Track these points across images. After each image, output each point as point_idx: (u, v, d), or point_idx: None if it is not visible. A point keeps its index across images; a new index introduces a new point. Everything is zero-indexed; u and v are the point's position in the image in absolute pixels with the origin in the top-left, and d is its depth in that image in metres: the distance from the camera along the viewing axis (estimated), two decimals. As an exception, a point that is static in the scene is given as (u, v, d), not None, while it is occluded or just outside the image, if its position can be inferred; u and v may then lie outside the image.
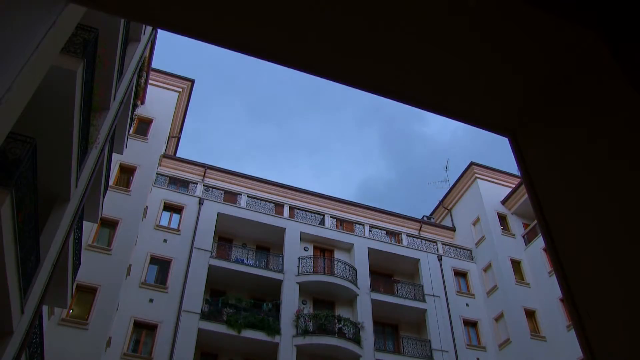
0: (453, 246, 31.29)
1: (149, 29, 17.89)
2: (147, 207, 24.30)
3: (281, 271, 25.43)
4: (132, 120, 20.48)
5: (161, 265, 23.62)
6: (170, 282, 22.98)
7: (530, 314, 26.96)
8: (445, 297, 27.87)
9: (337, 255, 28.00)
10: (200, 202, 26.41)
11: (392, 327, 27.23)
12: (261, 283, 25.18)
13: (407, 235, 30.66)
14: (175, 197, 26.35)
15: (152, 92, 26.75)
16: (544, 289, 27.04)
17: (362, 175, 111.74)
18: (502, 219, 31.06)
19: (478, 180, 32.44)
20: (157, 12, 1.50)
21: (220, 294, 24.61)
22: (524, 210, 30.43)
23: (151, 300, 22.13)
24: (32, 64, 1.77)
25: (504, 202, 31.54)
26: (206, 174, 29.52)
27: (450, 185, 34.81)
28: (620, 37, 1.33)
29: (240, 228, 27.13)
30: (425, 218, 35.32)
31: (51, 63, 7.22)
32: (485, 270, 29.57)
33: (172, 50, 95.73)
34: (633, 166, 1.21)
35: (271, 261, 26.15)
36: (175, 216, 25.82)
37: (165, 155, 28.56)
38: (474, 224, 31.72)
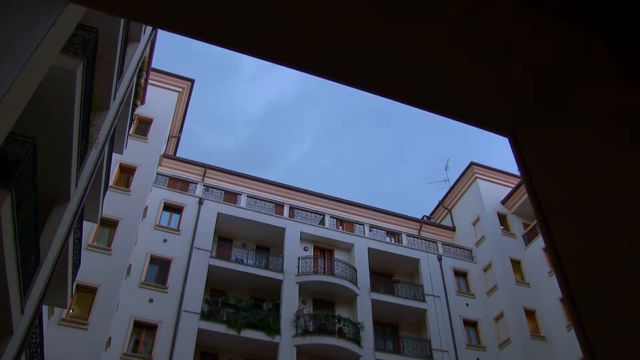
0: (453, 246, 31.30)
1: (149, 29, 17.90)
2: (147, 207, 24.30)
3: (281, 271, 25.43)
4: (132, 120, 20.48)
5: (161, 265, 23.62)
6: (170, 282, 22.99)
7: (530, 314, 26.96)
8: (445, 297, 27.87)
9: (337, 255, 28.01)
10: (200, 202, 26.41)
11: (392, 327, 27.24)
12: (261, 283, 25.18)
13: (407, 235, 30.67)
14: (175, 197, 26.35)
15: (152, 92, 26.76)
16: (544, 289, 27.05)
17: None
18: (502, 219, 31.06)
19: (478, 180, 32.45)
20: (157, 12, 1.50)
21: (220, 294, 24.62)
22: (524, 210, 30.44)
23: (151, 300, 22.13)
24: (32, 64, 1.77)
25: (504, 202, 31.54)
26: (206, 174, 29.53)
27: (450, 185, 34.83)
28: (621, 37, 1.33)
29: (240, 228, 27.13)
30: (425, 218, 35.33)
31: (51, 63, 7.22)
32: (485, 270, 29.57)
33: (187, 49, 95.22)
34: (634, 166, 1.21)
35: (271, 261, 26.16)
36: (175, 216, 25.82)
37: (165, 155, 28.57)
38: (474, 224, 31.72)
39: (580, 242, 1.36)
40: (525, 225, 30.82)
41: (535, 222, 24.76)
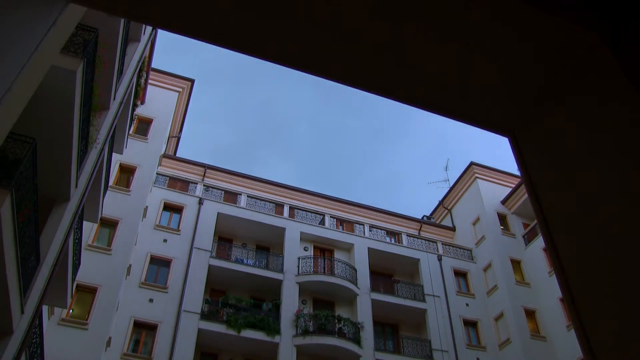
0: (453, 246, 31.29)
1: (149, 29, 17.90)
2: (147, 207, 24.29)
3: (281, 271, 25.43)
4: (132, 120, 20.48)
5: (161, 265, 23.62)
6: (170, 282, 22.98)
7: (530, 314, 26.96)
8: (445, 297, 27.87)
9: (337, 255, 28.01)
10: (200, 202, 26.41)
11: (392, 327, 27.23)
12: (261, 283, 25.18)
13: (407, 235, 30.66)
14: (175, 197, 26.35)
15: (152, 92, 26.76)
16: (544, 289, 27.04)
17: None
18: (502, 219, 31.06)
19: (478, 180, 32.45)
20: (157, 12, 1.50)
21: (220, 294, 24.61)
22: (524, 210, 30.44)
23: (151, 300, 22.13)
24: (32, 64, 1.77)
25: (504, 202, 31.54)
26: (206, 174, 29.53)
27: (450, 185, 34.83)
28: (621, 37, 1.33)
29: (240, 228, 27.13)
30: (425, 218, 35.32)
31: (51, 63, 7.23)
32: (485, 270, 29.57)
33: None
34: (634, 166, 1.21)
35: (271, 261, 26.16)
36: (175, 216, 25.82)
37: (165, 155, 28.57)
38: (474, 224, 31.72)
39: (580, 242, 1.36)
40: (525, 225, 30.81)
41: (535, 222, 24.77)
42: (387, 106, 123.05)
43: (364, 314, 25.42)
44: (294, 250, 26.60)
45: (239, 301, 24.05)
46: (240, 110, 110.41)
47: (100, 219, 18.76)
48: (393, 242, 30.24)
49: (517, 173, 11.68)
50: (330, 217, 29.54)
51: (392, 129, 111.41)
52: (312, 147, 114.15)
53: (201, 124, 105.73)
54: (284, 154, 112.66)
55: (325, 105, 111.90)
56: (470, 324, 27.64)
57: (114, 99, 14.21)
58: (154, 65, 24.51)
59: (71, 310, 19.17)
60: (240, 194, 28.28)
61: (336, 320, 24.46)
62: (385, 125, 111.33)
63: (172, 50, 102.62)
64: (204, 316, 22.68)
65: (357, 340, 24.06)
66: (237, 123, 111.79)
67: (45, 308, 14.61)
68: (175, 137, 31.08)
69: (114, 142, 17.17)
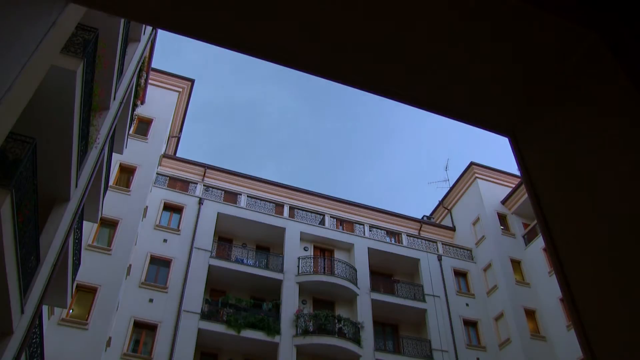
0: (453, 246, 31.29)
1: (149, 29, 17.90)
2: (147, 207, 24.29)
3: (281, 271, 25.43)
4: (132, 120, 20.48)
5: (161, 265, 23.62)
6: (170, 282, 22.99)
7: (530, 314, 26.96)
8: (445, 297, 27.87)
9: (337, 255, 28.01)
10: (200, 202, 26.41)
11: (392, 327, 27.23)
12: (261, 283, 25.18)
13: (407, 235, 30.66)
14: (175, 197, 26.35)
15: (152, 92, 26.77)
16: (544, 289, 27.05)
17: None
18: (502, 219, 31.06)
19: (478, 180, 32.45)
20: (157, 12, 1.50)
21: (220, 294, 24.62)
22: (524, 210, 30.44)
23: (151, 300, 22.14)
24: (32, 64, 1.77)
25: (504, 202, 31.54)
26: (206, 174, 29.53)
27: (450, 185, 34.83)
28: (621, 37, 1.33)
29: (240, 228, 27.13)
30: (425, 218, 35.32)
31: (51, 63, 7.23)
32: (485, 270, 29.57)
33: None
34: (634, 166, 1.21)
35: (271, 261, 26.16)
36: (175, 216, 25.82)
37: (165, 155, 28.57)
38: (474, 224, 31.72)
39: (580, 242, 1.35)
40: (525, 225, 30.81)
41: (535, 222, 24.77)
42: (387, 106, 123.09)
43: (364, 314, 25.43)
44: (294, 250, 26.60)
45: (239, 301, 24.05)
46: (237, 110, 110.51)
47: (100, 219, 18.76)
48: (393, 242, 30.24)
49: (517, 173, 11.68)
50: (330, 217, 29.54)
51: (393, 128, 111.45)
52: (312, 147, 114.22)
53: (195, 123, 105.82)
54: (284, 154, 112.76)
55: (325, 105, 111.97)
56: (470, 324, 27.65)
57: (114, 99, 14.22)
58: (154, 65, 24.52)
59: (71, 310, 19.17)
60: (240, 194, 28.28)
61: (336, 320, 24.46)
62: (386, 125, 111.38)
63: (166, 50, 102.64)
64: (204, 316, 22.69)
65: (357, 340, 24.07)
66: (233, 123, 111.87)
67: (45, 308, 14.61)
68: (175, 137, 31.07)
69: (114, 142, 17.17)
